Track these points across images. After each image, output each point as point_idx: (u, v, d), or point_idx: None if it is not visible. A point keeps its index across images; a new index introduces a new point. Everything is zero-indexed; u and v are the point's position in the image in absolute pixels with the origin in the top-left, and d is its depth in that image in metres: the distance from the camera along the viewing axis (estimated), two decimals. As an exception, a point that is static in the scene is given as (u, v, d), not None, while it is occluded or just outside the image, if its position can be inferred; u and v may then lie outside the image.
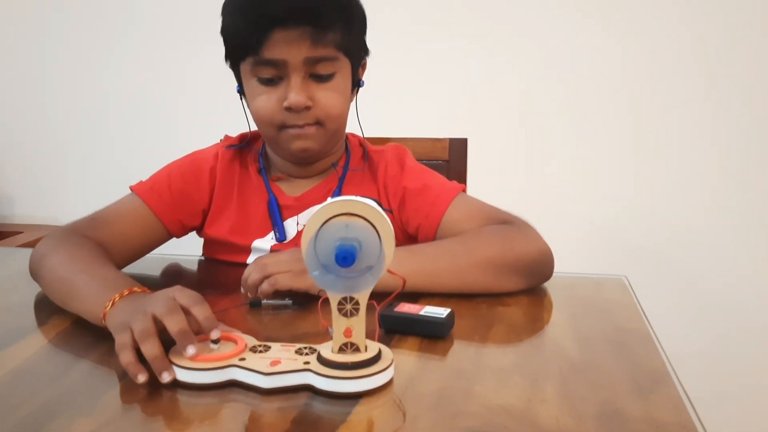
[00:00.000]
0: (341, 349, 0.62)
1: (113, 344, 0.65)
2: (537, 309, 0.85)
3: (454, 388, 0.62)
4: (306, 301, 0.82)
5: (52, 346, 0.75)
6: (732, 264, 1.83)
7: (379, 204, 0.61)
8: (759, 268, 1.83)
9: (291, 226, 1.04)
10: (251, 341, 0.67)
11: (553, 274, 0.92)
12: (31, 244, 1.24)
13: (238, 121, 1.05)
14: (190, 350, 0.62)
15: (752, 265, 1.82)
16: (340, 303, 0.62)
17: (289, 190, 1.06)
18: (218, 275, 1.04)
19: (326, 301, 0.63)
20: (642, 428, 0.55)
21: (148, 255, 1.01)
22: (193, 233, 1.09)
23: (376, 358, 0.62)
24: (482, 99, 1.89)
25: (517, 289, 0.88)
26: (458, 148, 1.32)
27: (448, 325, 0.74)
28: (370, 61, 1.05)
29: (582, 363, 0.68)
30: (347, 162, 1.07)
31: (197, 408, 0.59)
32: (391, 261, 0.61)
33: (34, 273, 0.89)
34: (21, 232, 2.07)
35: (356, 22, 0.98)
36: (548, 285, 0.92)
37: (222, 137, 1.13)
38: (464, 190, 1.04)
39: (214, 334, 0.64)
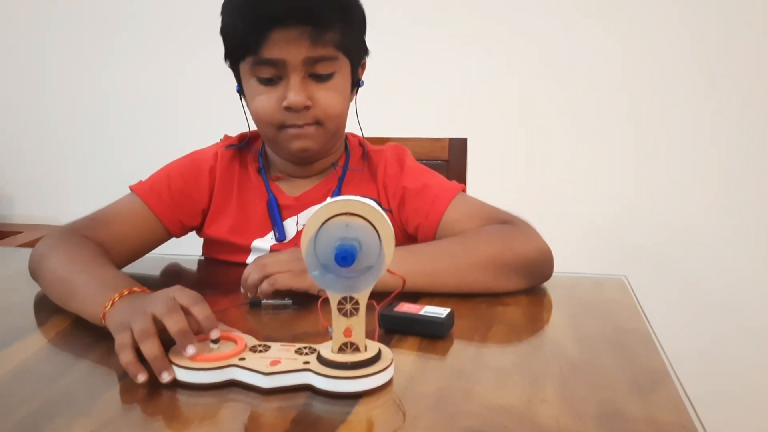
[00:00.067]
0: (341, 349, 0.62)
1: (113, 344, 0.65)
2: (537, 309, 0.85)
3: (454, 388, 0.62)
4: (306, 300, 0.82)
5: (52, 345, 0.75)
6: (732, 264, 1.83)
7: (379, 204, 0.61)
8: (759, 268, 1.82)
9: (291, 225, 1.04)
10: (251, 341, 0.67)
11: (553, 274, 0.92)
12: (30, 244, 1.24)
13: (238, 121, 1.05)
14: (190, 350, 0.62)
15: (752, 265, 1.83)
16: (339, 303, 0.62)
17: (289, 189, 1.06)
18: (218, 275, 1.04)
19: (326, 300, 0.63)
20: (642, 428, 0.55)
21: (147, 255, 1.01)
22: (193, 233, 1.09)
23: (376, 358, 0.62)
24: (482, 99, 1.89)
25: (517, 289, 0.88)
26: (458, 147, 1.32)
27: (447, 325, 0.74)
28: (370, 60, 1.05)
29: (582, 363, 0.68)
30: (347, 162, 1.07)
31: (197, 408, 0.59)
32: (391, 261, 0.61)
33: (34, 273, 0.89)
34: (21, 232, 2.07)
35: (356, 21, 0.98)
36: (548, 285, 0.92)
37: (221, 137, 1.13)
38: (464, 190, 1.04)
39: (214, 334, 0.64)
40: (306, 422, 0.56)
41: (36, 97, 2.20)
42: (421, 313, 0.74)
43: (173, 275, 1.04)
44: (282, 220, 1.03)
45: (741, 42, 1.75)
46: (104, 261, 0.84)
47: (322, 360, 0.62)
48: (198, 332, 0.65)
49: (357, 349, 0.62)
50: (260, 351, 0.65)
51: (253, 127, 1.02)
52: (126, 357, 0.63)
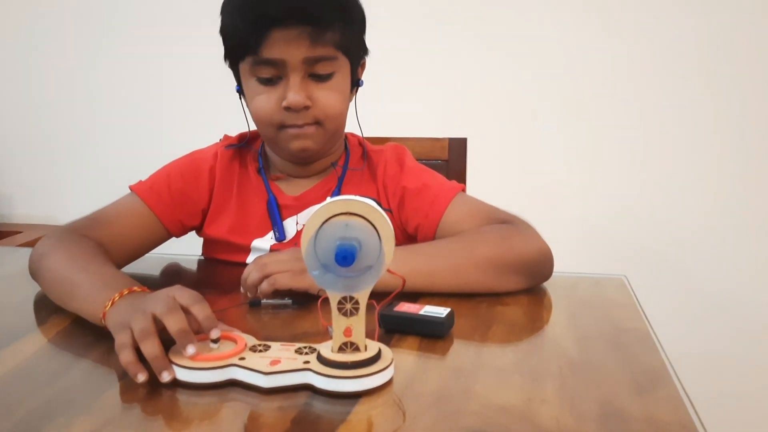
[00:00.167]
0: (341, 349, 0.62)
1: (113, 344, 0.65)
2: (537, 309, 0.85)
3: (454, 387, 0.62)
4: (306, 300, 0.82)
5: (52, 345, 0.75)
6: (732, 264, 1.83)
7: (379, 204, 0.61)
8: (759, 268, 1.83)
9: (290, 225, 1.04)
10: (251, 341, 0.67)
11: (553, 274, 0.92)
12: (30, 244, 1.24)
13: (238, 121, 1.05)
14: (190, 350, 0.62)
15: (752, 264, 1.83)
16: (339, 302, 0.62)
17: (289, 189, 1.06)
18: (218, 275, 1.04)
19: (326, 300, 0.63)
20: (642, 428, 0.55)
21: (147, 255, 1.01)
22: (193, 233, 1.09)
23: (376, 358, 0.62)
24: (482, 98, 1.89)
25: (517, 289, 0.88)
26: (458, 147, 1.32)
27: (447, 325, 0.74)
28: (370, 60, 1.05)
29: (582, 362, 0.68)
30: (346, 161, 1.07)
31: (197, 407, 0.59)
32: (391, 260, 0.61)
33: (34, 272, 0.89)
34: (20, 232, 2.07)
35: (355, 21, 0.98)
36: (548, 285, 0.92)
37: (221, 137, 1.13)
38: (464, 190, 1.04)
39: (214, 334, 0.64)
40: (306, 422, 0.56)
41: (36, 97, 2.20)
42: (421, 312, 0.74)
43: (173, 275, 1.04)
44: (282, 219, 1.03)
45: (742, 43, 1.75)
46: (104, 261, 0.84)
47: (322, 359, 0.62)
48: (198, 332, 0.65)
49: (357, 349, 0.62)
50: (260, 351, 0.65)
51: (253, 127, 1.02)
52: (126, 356, 0.63)
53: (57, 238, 0.89)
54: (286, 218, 1.04)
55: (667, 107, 1.81)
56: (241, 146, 1.08)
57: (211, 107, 1.91)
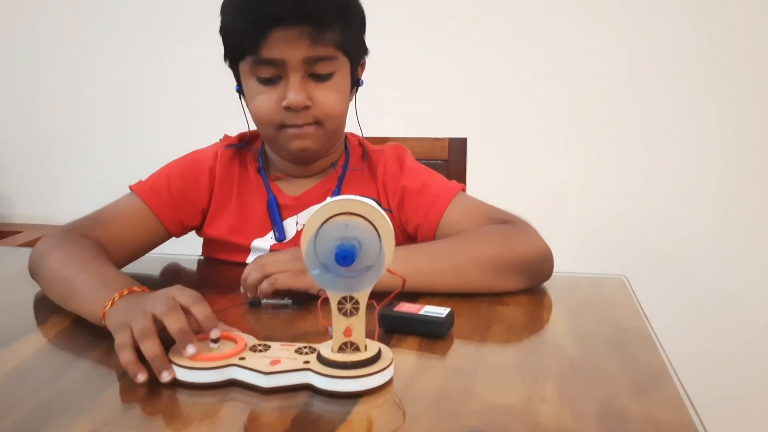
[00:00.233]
0: (341, 349, 0.62)
1: (113, 343, 0.65)
2: (537, 308, 0.85)
3: (454, 387, 0.62)
4: (305, 300, 0.82)
5: (52, 345, 0.75)
6: (732, 264, 1.83)
7: (379, 204, 0.61)
8: (759, 268, 1.83)
9: (290, 225, 1.04)
10: (251, 340, 0.67)
11: (553, 274, 0.92)
12: (30, 244, 1.24)
13: (238, 121, 1.05)
14: (190, 349, 0.62)
15: (752, 265, 1.83)
16: (339, 302, 0.62)
17: (289, 189, 1.06)
18: (218, 275, 1.04)
19: (326, 300, 0.63)
20: (642, 427, 0.55)
21: (147, 254, 1.01)
22: (193, 233, 1.09)
23: (376, 358, 0.62)
24: (482, 98, 1.89)
25: (517, 289, 0.88)
26: (458, 147, 1.32)
27: (447, 325, 0.74)
28: (370, 60, 1.05)
29: (582, 362, 0.68)
30: (346, 161, 1.07)
31: (197, 407, 0.59)
32: (391, 260, 0.61)
33: (34, 272, 0.89)
34: (20, 232, 2.07)
35: (355, 21, 0.98)
36: (548, 284, 0.92)
37: (221, 137, 1.13)
38: (464, 190, 1.04)
39: (214, 334, 0.64)
40: (306, 422, 0.56)
41: (36, 98, 2.20)
42: (421, 312, 0.74)
43: (173, 275, 1.04)
44: (282, 219, 1.03)
45: (742, 43, 1.75)
46: (104, 260, 0.84)
47: (322, 359, 0.62)
48: (198, 332, 0.65)
49: (357, 349, 0.62)
50: (260, 350, 0.65)
51: (253, 127, 1.02)
52: (126, 356, 0.63)
53: (57, 238, 0.89)
54: (286, 218, 1.04)
55: (668, 107, 1.81)
56: (241, 146, 1.08)
57: (211, 107, 1.91)
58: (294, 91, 0.92)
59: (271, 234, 1.04)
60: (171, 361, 0.62)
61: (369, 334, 0.64)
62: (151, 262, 1.04)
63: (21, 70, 2.20)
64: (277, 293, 0.82)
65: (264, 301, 0.83)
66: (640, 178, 1.85)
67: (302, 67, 0.93)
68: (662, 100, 1.81)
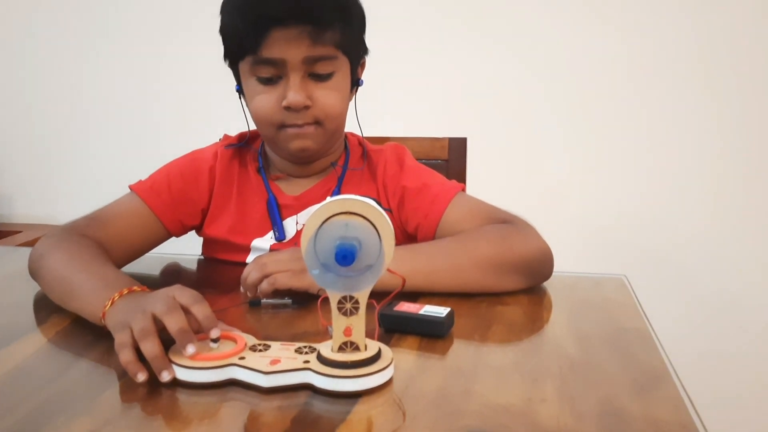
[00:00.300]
0: (341, 348, 0.62)
1: (113, 343, 0.65)
2: (537, 308, 0.85)
3: (454, 387, 0.62)
4: (305, 300, 0.82)
5: (52, 345, 0.75)
6: (732, 264, 1.83)
7: (379, 203, 0.61)
8: (759, 268, 1.83)
9: (290, 225, 1.04)
10: (251, 340, 0.67)
11: (553, 274, 0.92)
12: (30, 244, 1.24)
13: (237, 121, 1.05)
14: (190, 349, 0.62)
15: (753, 264, 1.83)
16: (339, 302, 0.62)
17: (289, 189, 1.06)
18: (217, 274, 1.04)
19: (326, 300, 0.63)
20: (642, 427, 0.55)
21: (147, 254, 1.01)
22: (193, 232, 1.09)
23: (376, 357, 0.62)
24: (482, 98, 1.89)
25: (517, 289, 0.88)
26: (458, 147, 1.32)
27: (447, 325, 0.74)
28: (370, 60, 1.05)
29: (582, 362, 0.68)
30: (346, 161, 1.07)
31: (197, 407, 0.59)
32: (391, 260, 0.60)
33: (33, 272, 0.89)
34: (20, 232, 2.07)
35: (355, 21, 0.98)
36: (548, 284, 0.92)
37: (221, 137, 1.13)
38: (464, 190, 1.04)
39: (214, 333, 0.64)
40: (306, 421, 0.56)
41: (35, 97, 2.20)
42: (421, 312, 0.74)
43: (173, 275, 1.04)
44: (282, 219, 1.03)
45: (742, 43, 1.75)
46: (104, 260, 0.84)
47: (322, 359, 0.62)
48: (198, 331, 0.65)
49: (357, 349, 0.62)
50: (260, 350, 0.65)
51: (253, 127, 1.02)
52: (126, 356, 0.63)
53: (57, 238, 0.89)
54: (285, 218, 1.04)
55: (668, 107, 1.81)
56: (241, 146, 1.08)
57: (211, 107, 1.91)
58: (294, 91, 0.92)
59: (271, 234, 1.03)
60: (171, 361, 0.62)
61: (369, 334, 0.64)
62: (151, 262, 1.03)
63: (21, 70, 2.20)
64: (277, 293, 0.82)
65: (264, 300, 0.83)
66: (640, 178, 1.85)
67: (302, 66, 0.93)
68: (662, 100, 1.81)
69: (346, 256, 0.58)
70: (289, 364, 0.62)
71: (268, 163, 1.08)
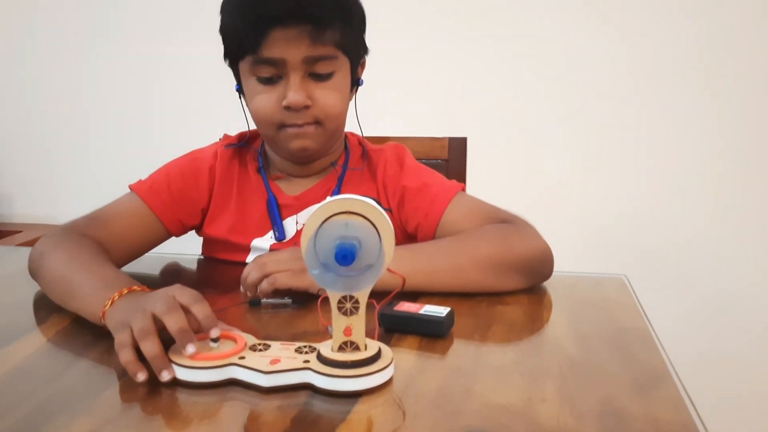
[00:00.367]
0: (341, 348, 0.62)
1: (112, 343, 0.65)
2: (537, 308, 0.85)
3: (454, 386, 0.62)
4: (305, 299, 0.82)
5: (52, 344, 0.75)
6: (732, 264, 1.83)
7: (379, 203, 0.60)
8: (759, 268, 1.83)
9: (290, 225, 1.04)
10: (251, 340, 0.67)
11: (553, 274, 0.92)
12: (30, 243, 1.24)
13: (237, 120, 1.05)
14: (190, 349, 0.62)
15: (753, 264, 1.83)
16: (339, 302, 0.62)
17: (289, 189, 1.05)
18: (217, 274, 1.04)
19: (326, 299, 0.63)
20: (642, 427, 0.55)
21: (147, 254, 1.01)
22: (193, 232, 1.09)
23: (376, 357, 0.62)
24: (482, 98, 1.89)
25: (517, 288, 0.88)
26: (458, 147, 1.32)
27: (447, 324, 0.74)
28: (370, 59, 1.05)
29: (582, 362, 0.68)
30: (346, 161, 1.07)
31: (197, 407, 0.59)
32: (391, 260, 0.60)
33: (33, 272, 0.89)
34: (20, 231, 2.07)
35: (355, 20, 0.98)
36: (548, 284, 0.92)
37: (221, 136, 1.13)
38: (464, 189, 1.04)
39: (214, 333, 0.64)
40: (306, 421, 0.56)
41: (35, 97, 2.20)
42: (421, 312, 0.74)
43: (173, 274, 1.04)
44: (281, 219, 1.03)
45: (742, 43, 1.75)
46: (104, 260, 0.84)
47: (322, 359, 0.62)
48: (198, 331, 0.65)
49: (357, 348, 0.62)
50: (260, 350, 0.65)
51: (253, 127, 1.02)
52: (126, 356, 0.63)
53: (56, 238, 0.89)
54: (285, 218, 1.04)
55: (668, 107, 1.81)
56: (241, 145, 1.08)
57: (211, 107, 1.91)
58: (294, 91, 0.92)
59: (270, 233, 1.03)
60: (171, 361, 0.62)
61: (369, 334, 0.64)
62: (151, 262, 1.03)
63: (21, 70, 2.20)
64: (277, 292, 0.82)
65: (264, 300, 0.83)
66: (640, 178, 1.85)
67: (302, 66, 0.92)
68: (662, 100, 1.81)
69: (346, 255, 0.58)
70: (289, 363, 0.62)
71: (268, 162, 1.08)
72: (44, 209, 2.24)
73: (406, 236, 1.03)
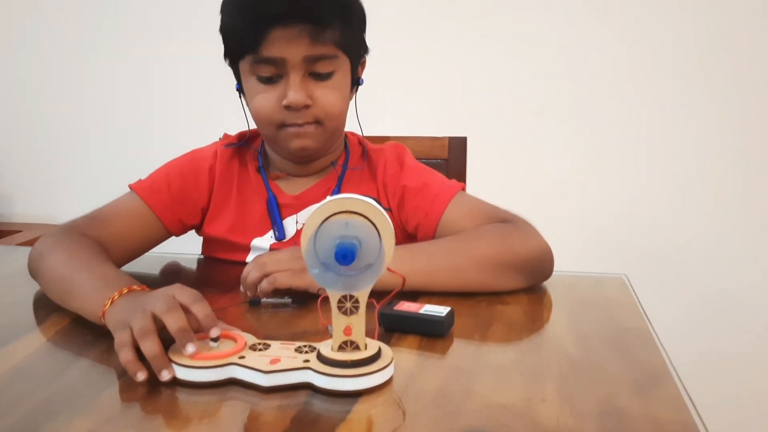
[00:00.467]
0: (341, 348, 0.62)
1: (112, 342, 0.65)
2: (537, 308, 0.85)
3: (454, 386, 0.62)
4: (305, 299, 0.82)
5: (51, 344, 0.75)
6: (732, 264, 1.83)
7: (379, 203, 0.60)
8: (759, 268, 1.82)
9: (290, 224, 1.04)
10: (251, 339, 0.67)
11: (553, 273, 0.92)
12: (30, 243, 1.24)
13: (237, 120, 1.05)
14: (190, 348, 0.62)
15: (753, 264, 1.82)
16: (339, 301, 0.62)
17: (288, 188, 1.05)
18: (217, 274, 1.04)
19: (326, 299, 0.63)
20: (642, 426, 0.55)
21: (147, 253, 1.01)
22: (192, 232, 1.09)
23: (376, 357, 0.62)
24: (482, 97, 1.89)
25: (517, 288, 0.88)
26: (457, 146, 1.32)
27: (447, 324, 0.74)
28: (370, 59, 1.05)
29: (582, 361, 0.68)
30: (346, 161, 1.07)
31: (197, 406, 0.59)
32: (391, 259, 0.60)
33: (33, 271, 0.89)
34: (20, 231, 2.07)
35: (355, 19, 0.98)
36: (548, 284, 0.92)
37: (221, 136, 1.12)
38: (464, 189, 1.04)
39: (214, 333, 0.64)
40: (306, 421, 0.56)
41: (35, 97, 2.20)
42: (421, 311, 0.74)
43: (173, 274, 1.04)
44: (281, 219, 1.03)
45: (742, 43, 1.75)
46: (103, 259, 0.84)
47: (322, 358, 0.62)
48: (198, 331, 0.65)
49: (357, 348, 0.62)
50: (260, 349, 0.64)
51: (253, 126, 1.02)
52: (125, 355, 0.63)
53: (56, 237, 0.88)
54: (285, 217, 1.04)
55: (667, 107, 1.81)
56: (241, 145, 1.08)
57: (211, 106, 1.91)
58: (294, 90, 0.92)
59: (270, 233, 1.03)
60: (171, 360, 0.62)
61: (369, 333, 0.64)
62: (151, 261, 1.03)
63: (21, 70, 2.20)
64: (277, 292, 0.82)
65: (264, 300, 0.83)
66: (640, 178, 1.85)
67: (302, 65, 0.92)
68: (662, 100, 1.81)
69: (346, 255, 0.58)
70: (289, 363, 0.62)
71: (267, 162, 1.08)
72: (44, 209, 2.24)
73: (406, 236, 1.03)
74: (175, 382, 0.62)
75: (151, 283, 0.76)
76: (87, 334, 0.74)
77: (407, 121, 1.88)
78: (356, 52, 1.00)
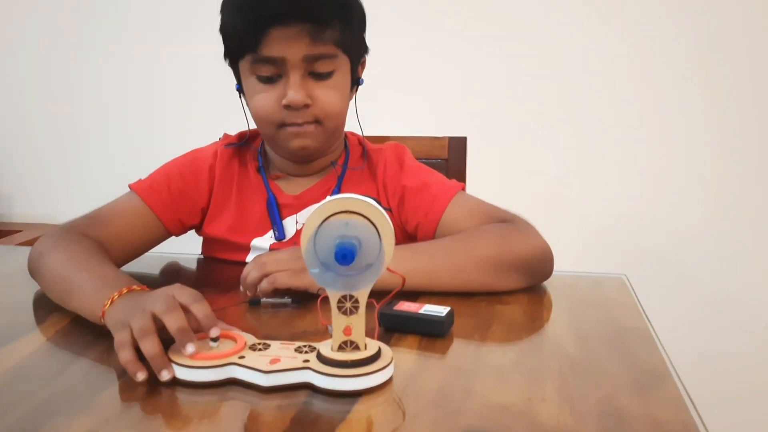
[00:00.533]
0: (341, 348, 0.62)
1: (112, 342, 0.65)
2: (537, 307, 0.85)
3: (454, 386, 0.62)
4: (305, 299, 0.82)
5: (51, 344, 0.75)
6: (732, 263, 1.83)
7: (378, 203, 0.60)
8: (759, 268, 1.82)
9: (290, 224, 1.04)
10: (251, 339, 0.67)
11: (553, 273, 0.92)
12: (29, 243, 1.24)
13: (237, 120, 1.05)
14: (190, 348, 0.62)
15: (753, 264, 1.82)
16: (339, 301, 0.62)
17: (288, 188, 1.05)
18: (217, 274, 1.04)
19: (325, 299, 0.63)
20: (642, 426, 0.55)
21: (146, 253, 1.01)
22: (192, 232, 1.09)
23: (376, 357, 0.62)
24: (482, 97, 1.89)
25: (517, 288, 0.88)
26: (457, 146, 1.32)
27: (447, 324, 0.74)
28: (370, 59, 1.05)
29: (582, 361, 0.68)
30: (346, 160, 1.07)
31: (196, 406, 0.59)
32: (391, 259, 0.60)
33: (33, 271, 0.89)
34: (20, 231, 2.07)
35: (355, 19, 0.98)
36: (548, 283, 0.92)
37: (221, 135, 1.12)
38: (463, 189, 1.04)
39: (214, 332, 0.64)
40: (306, 421, 0.56)
41: (35, 97, 2.20)
42: (421, 311, 0.74)
43: (172, 274, 1.04)
44: (281, 218, 1.03)
45: (742, 43, 1.75)
46: (103, 259, 0.84)
47: (321, 358, 0.62)
48: (197, 330, 0.65)
49: (357, 348, 0.62)
50: (260, 349, 0.64)
51: (253, 126, 1.02)
52: (125, 355, 0.63)
53: (56, 237, 0.88)
54: (285, 217, 1.04)
55: (667, 107, 1.81)
56: (241, 145, 1.08)
57: (211, 106, 1.91)
58: (294, 90, 0.92)
59: (270, 233, 1.03)
60: (170, 360, 0.62)
61: (369, 333, 0.64)
62: (151, 261, 1.03)
63: (21, 70, 2.20)
64: (277, 292, 0.82)
65: (263, 299, 0.83)
66: (640, 178, 1.85)
67: (302, 65, 0.92)
68: (662, 100, 1.81)
69: (345, 255, 0.58)
70: (288, 363, 0.61)
71: (267, 162, 1.08)
72: (44, 209, 2.24)
73: (406, 236, 1.03)
74: (175, 382, 0.62)
75: (151, 283, 0.76)
76: (87, 334, 0.74)
77: (407, 121, 1.88)
78: (356, 51, 1.00)
